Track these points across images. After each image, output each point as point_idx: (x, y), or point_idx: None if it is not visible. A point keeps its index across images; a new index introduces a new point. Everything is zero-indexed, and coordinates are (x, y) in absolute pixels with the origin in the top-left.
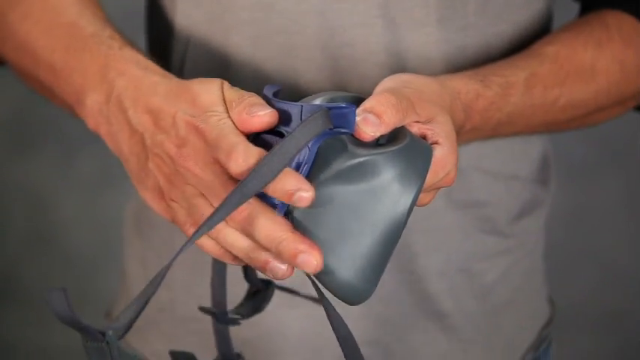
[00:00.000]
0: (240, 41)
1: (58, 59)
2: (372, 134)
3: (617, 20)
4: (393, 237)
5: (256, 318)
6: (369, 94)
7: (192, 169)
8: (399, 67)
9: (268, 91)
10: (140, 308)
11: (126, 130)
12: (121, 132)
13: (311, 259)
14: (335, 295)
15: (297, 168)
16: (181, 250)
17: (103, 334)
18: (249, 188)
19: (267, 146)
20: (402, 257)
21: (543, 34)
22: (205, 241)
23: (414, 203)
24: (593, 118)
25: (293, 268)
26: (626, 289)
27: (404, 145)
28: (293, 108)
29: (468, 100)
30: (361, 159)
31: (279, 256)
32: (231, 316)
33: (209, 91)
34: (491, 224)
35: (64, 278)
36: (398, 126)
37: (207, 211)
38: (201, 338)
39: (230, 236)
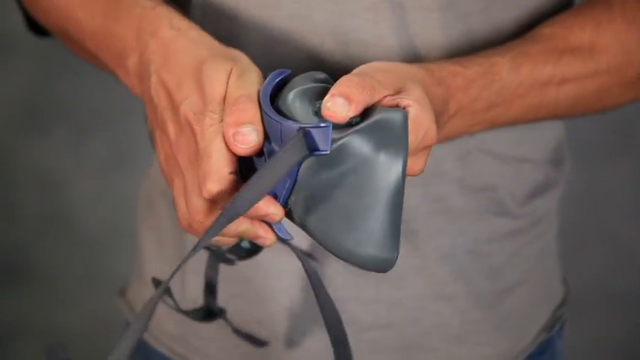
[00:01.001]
0: (251, 26)
1: (99, 26)
2: (345, 115)
3: (621, 1)
4: (396, 203)
5: (253, 260)
6: None
7: (180, 162)
8: (408, 51)
9: (272, 82)
10: (136, 338)
11: (147, 95)
12: (145, 95)
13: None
14: (365, 269)
15: (277, 191)
16: (172, 275)
17: None
18: (229, 214)
19: (248, 159)
20: (412, 241)
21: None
22: None
23: (405, 166)
24: (598, 102)
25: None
26: (638, 272)
27: (375, 118)
28: (274, 124)
29: (442, 76)
30: (339, 142)
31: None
32: (227, 255)
33: (216, 80)
34: (501, 206)
35: (75, 259)
36: (368, 103)
37: (182, 210)
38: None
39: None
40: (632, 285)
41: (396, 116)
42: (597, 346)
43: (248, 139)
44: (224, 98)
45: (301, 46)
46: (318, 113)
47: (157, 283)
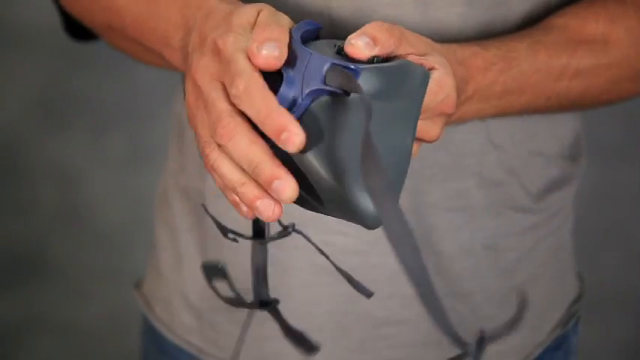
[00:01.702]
0: None
1: (142, 11)
2: (368, 53)
3: None
4: (403, 161)
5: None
6: None
7: (200, 82)
8: None
9: (303, 27)
10: None
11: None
12: (186, 62)
13: (285, 188)
14: (353, 220)
15: (292, 106)
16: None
17: None
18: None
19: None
20: (430, 238)
21: None
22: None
23: (416, 122)
24: (606, 94)
25: (281, 209)
26: None
27: (397, 63)
28: (304, 53)
29: (465, 56)
30: (359, 67)
31: (256, 179)
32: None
33: (245, 12)
34: (518, 201)
35: (92, 255)
36: (393, 52)
37: (202, 132)
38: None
39: (224, 166)
40: None
41: (418, 69)
42: (613, 345)
43: (270, 53)
44: (252, 25)
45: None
46: (339, 52)
47: (209, 269)
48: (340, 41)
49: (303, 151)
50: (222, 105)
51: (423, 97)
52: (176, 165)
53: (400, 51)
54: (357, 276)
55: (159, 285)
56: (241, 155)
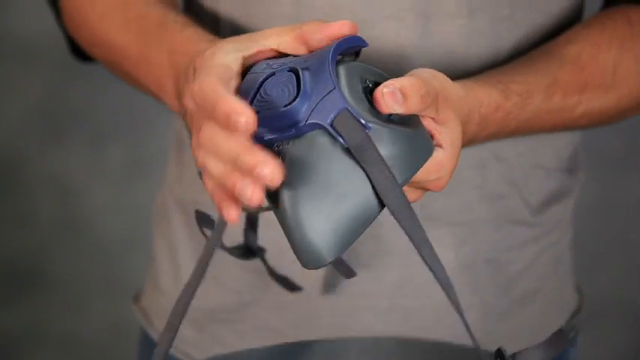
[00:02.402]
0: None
1: (137, 54)
2: (391, 109)
3: (639, 17)
4: (368, 216)
5: None
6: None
7: (195, 125)
8: (429, 60)
9: (345, 45)
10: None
11: (184, 109)
12: (182, 109)
13: (267, 171)
14: (293, 249)
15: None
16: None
17: None
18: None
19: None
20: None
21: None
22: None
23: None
24: (612, 120)
25: (261, 192)
26: None
27: (413, 130)
28: (329, 80)
29: (488, 112)
30: (370, 124)
31: (241, 171)
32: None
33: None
34: (518, 214)
35: (91, 267)
36: (415, 113)
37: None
38: None
39: (210, 163)
40: None
41: (427, 143)
42: (613, 357)
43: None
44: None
45: None
46: (365, 90)
47: (201, 217)
48: (372, 73)
49: (282, 159)
50: (196, 118)
51: (418, 169)
52: (173, 177)
53: (423, 113)
54: (356, 289)
55: (157, 298)
56: (222, 150)
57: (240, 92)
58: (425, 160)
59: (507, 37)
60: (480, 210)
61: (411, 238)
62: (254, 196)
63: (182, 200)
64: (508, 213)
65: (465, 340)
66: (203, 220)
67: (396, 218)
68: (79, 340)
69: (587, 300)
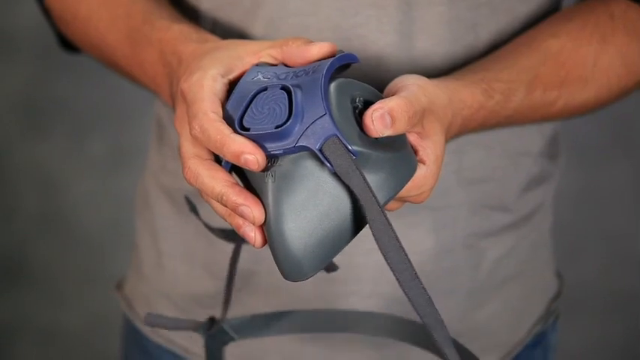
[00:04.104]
0: (257, 23)
1: (128, 53)
2: (380, 133)
3: (622, 10)
4: (349, 233)
5: None
6: (381, 74)
7: (177, 128)
8: (410, 47)
9: (339, 62)
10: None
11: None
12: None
13: (248, 212)
14: (276, 262)
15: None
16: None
17: None
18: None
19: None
20: (412, 237)
21: (555, 12)
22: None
23: (384, 203)
24: (592, 110)
25: (263, 239)
26: (636, 272)
27: (398, 152)
28: (320, 105)
29: (470, 113)
30: (358, 148)
31: (225, 205)
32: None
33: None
34: (498, 200)
35: (74, 259)
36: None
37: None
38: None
39: (212, 203)
40: (629, 285)
41: (410, 165)
42: (594, 346)
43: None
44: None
45: None
46: (355, 110)
47: (191, 203)
48: (363, 91)
49: (271, 174)
50: (184, 148)
51: (401, 188)
52: (156, 165)
53: (410, 131)
54: (342, 276)
55: (140, 284)
56: (207, 190)
57: (230, 103)
58: (408, 179)
59: (486, 24)
60: (458, 195)
61: (388, 262)
62: (257, 240)
63: (165, 186)
64: (487, 198)
65: (448, 323)
66: (193, 206)
67: (376, 241)
68: (62, 332)
69: (568, 286)
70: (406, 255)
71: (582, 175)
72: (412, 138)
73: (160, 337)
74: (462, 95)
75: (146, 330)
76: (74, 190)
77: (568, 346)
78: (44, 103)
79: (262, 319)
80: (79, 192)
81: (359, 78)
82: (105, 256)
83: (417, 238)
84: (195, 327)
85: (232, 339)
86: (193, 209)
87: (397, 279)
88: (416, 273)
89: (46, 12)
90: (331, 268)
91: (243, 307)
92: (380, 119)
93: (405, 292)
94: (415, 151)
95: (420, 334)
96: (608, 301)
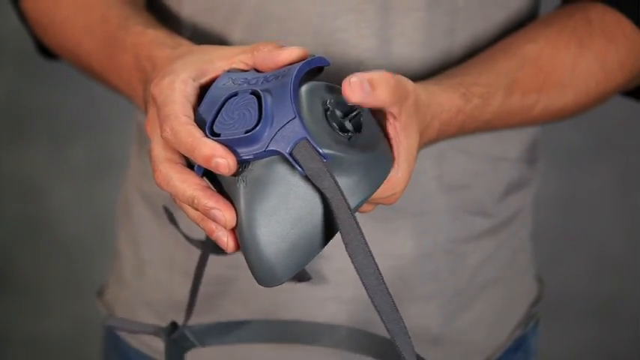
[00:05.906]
0: (237, 28)
1: (103, 58)
2: (359, 99)
3: (599, 15)
4: (323, 237)
5: None
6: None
7: (148, 131)
8: (388, 51)
9: (309, 66)
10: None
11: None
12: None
13: (220, 215)
14: (250, 267)
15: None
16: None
17: None
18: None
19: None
20: (392, 242)
21: (533, 20)
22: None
23: (354, 212)
24: (571, 115)
25: (236, 244)
26: (618, 276)
27: (372, 153)
28: (290, 109)
29: (449, 117)
30: (330, 151)
31: (197, 209)
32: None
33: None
34: (478, 205)
35: (56, 266)
36: (384, 107)
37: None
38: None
39: (185, 208)
40: (611, 288)
41: (384, 166)
42: (577, 349)
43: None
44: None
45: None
46: (326, 112)
47: (170, 213)
48: (334, 92)
49: (243, 179)
50: (155, 152)
51: (375, 190)
52: (137, 171)
53: (391, 108)
54: (321, 279)
55: (121, 291)
56: (179, 194)
57: (202, 109)
58: (382, 180)
59: (463, 29)
60: (439, 200)
61: (355, 266)
62: (229, 245)
63: (145, 193)
64: (467, 204)
65: (429, 328)
66: (171, 216)
67: (345, 244)
68: (44, 340)
69: (548, 291)
70: (374, 260)
71: (564, 180)
72: (390, 128)
73: (141, 343)
74: (441, 99)
75: (127, 337)
76: (56, 198)
77: (551, 350)
78: (25, 110)
79: (225, 327)
80: (61, 199)
81: (339, 83)
82: (88, 263)
83: (398, 243)
84: (157, 332)
85: (193, 345)
86: (172, 220)
87: (363, 283)
88: (382, 279)
89: (23, 17)
90: (304, 277)
91: (222, 313)
92: (359, 86)
93: (370, 297)
94: (390, 145)
95: (385, 348)
96: (590, 304)
